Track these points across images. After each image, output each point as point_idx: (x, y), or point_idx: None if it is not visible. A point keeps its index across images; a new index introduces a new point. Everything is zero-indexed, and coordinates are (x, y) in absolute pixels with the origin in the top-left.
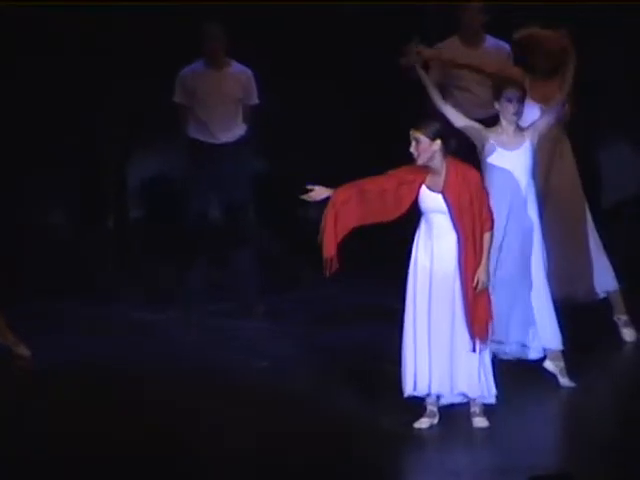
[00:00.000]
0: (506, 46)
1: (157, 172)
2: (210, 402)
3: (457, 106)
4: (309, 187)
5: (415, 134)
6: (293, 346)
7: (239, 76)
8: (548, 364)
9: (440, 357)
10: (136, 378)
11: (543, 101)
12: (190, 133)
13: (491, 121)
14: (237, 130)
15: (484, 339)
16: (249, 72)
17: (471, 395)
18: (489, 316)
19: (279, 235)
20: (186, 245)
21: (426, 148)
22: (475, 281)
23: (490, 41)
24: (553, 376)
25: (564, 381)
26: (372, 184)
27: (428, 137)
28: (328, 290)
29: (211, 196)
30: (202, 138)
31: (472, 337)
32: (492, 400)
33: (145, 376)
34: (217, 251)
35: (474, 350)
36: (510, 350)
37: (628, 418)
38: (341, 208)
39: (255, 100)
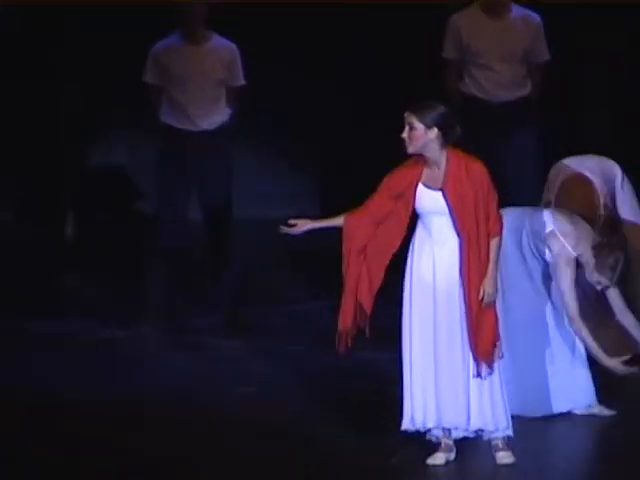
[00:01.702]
0: (536, 17)
1: (124, 164)
2: (186, 434)
3: (477, 87)
4: (291, 222)
5: (409, 118)
6: (284, 368)
7: (222, 53)
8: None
9: (450, 385)
10: (99, 407)
11: None
12: (163, 118)
13: (515, 104)
14: (219, 116)
15: (490, 362)
16: (234, 48)
17: (487, 429)
18: (496, 335)
19: (267, 240)
20: (160, 250)
21: (420, 136)
22: (480, 294)
23: (517, 11)
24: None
25: (600, 410)
26: (375, 210)
27: (424, 124)
28: (324, 304)
29: (188, 193)
30: (178, 125)
31: (476, 360)
32: (510, 432)
33: (111, 404)
34: (197, 257)
35: (478, 375)
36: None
37: None
38: (362, 269)
39: (241, 81)
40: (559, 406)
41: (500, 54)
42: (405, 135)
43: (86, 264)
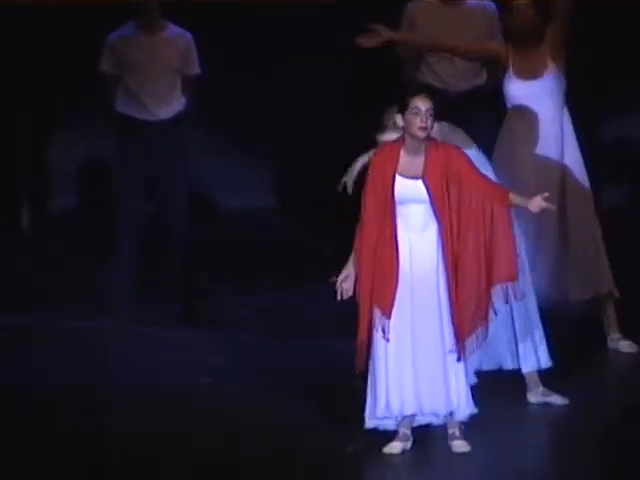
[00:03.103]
0: (492, 5)
1: (80, 155)
2: (141, 427)
3: (434, 76)
4: (332, 280)
5: (429, 104)
6: (243, 359)
7: (177, 41)
8: (530, 397)
9: (429, 372)
10: (52, 400)
11: (531, 76)
12: (119, 108)
13: (472, 93)
14: (175, 105)
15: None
16: (188, 37)
17: (461, 410)
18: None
19: (229, 228)
20: (116, 241)
21: (433, 123)
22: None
23: None
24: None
25: (554, 399)
26: (374, 218)
27: (435, 111)
28: (288, 295)
29: (145, 182)
30: (134, 114)
31: (460, 342)
32: (475, 410)
33: (63, 397)
34: (153, 247)
35: (459, 359)
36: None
37: (624, 437)
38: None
39: (196, 70)
40: (508, 363)
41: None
42: (429, 122)
43: (45, 255)
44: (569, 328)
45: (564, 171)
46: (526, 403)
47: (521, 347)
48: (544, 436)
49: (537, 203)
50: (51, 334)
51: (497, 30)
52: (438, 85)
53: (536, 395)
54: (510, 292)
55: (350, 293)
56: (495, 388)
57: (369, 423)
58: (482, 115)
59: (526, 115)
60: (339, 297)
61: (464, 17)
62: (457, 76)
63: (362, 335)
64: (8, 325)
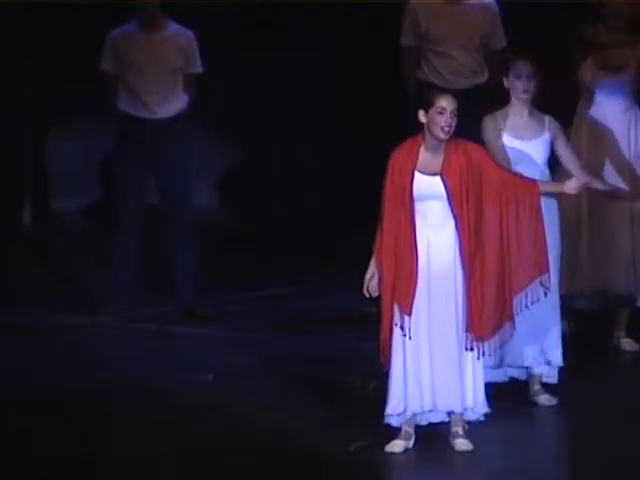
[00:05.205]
0: (493, 3)
1: (82, 153)
2: (140, 425)
3: (435, 74)
4: (366, 286)
5: (454, 105)
6: (244, 356)
7: (179, 40)
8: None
9: (446, 369)
10: (51, 398)
11: (612, 69)
12: (121, 106)
13: (473, 91)
14: (177, 103)
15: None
16: (190, 35)
17: (477, 406)
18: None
19: (227, 226)
20: (117, 239)
21: (456, 123)
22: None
23: None
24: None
25: (543, 399)
26: (394, 218)
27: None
28: (287, 291)
29: (146, 181)
30: (135, 112)
31: (478, 339)
32: (487, 409)
33: (62, 395)
34: (153, 245)
35: (478, 357)
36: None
37: (624, 436)
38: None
39: (198, 68)
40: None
41: (458, 41)
42: (452, 123)
43: (45, 253)
44: (570, 325)
45: (633, 169)
46: (528, 402)
47: (545, 345)
48: (546, 435)
49: (572, 184)
50: (50, 332)
51: (498, 27)
52: (439, 83)
53: (532, 394)
54: (540, 288)
55: (377, 291)
56: (496, 386)
57: (387, 419)
58: (483, 113)
59: (596, 106)
60: (367, 296)
61: (466, 16)
62: (458, 74)
63: (385, 333)
64: (7, 323)
